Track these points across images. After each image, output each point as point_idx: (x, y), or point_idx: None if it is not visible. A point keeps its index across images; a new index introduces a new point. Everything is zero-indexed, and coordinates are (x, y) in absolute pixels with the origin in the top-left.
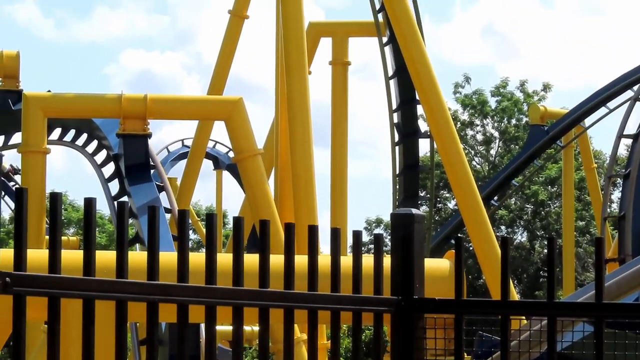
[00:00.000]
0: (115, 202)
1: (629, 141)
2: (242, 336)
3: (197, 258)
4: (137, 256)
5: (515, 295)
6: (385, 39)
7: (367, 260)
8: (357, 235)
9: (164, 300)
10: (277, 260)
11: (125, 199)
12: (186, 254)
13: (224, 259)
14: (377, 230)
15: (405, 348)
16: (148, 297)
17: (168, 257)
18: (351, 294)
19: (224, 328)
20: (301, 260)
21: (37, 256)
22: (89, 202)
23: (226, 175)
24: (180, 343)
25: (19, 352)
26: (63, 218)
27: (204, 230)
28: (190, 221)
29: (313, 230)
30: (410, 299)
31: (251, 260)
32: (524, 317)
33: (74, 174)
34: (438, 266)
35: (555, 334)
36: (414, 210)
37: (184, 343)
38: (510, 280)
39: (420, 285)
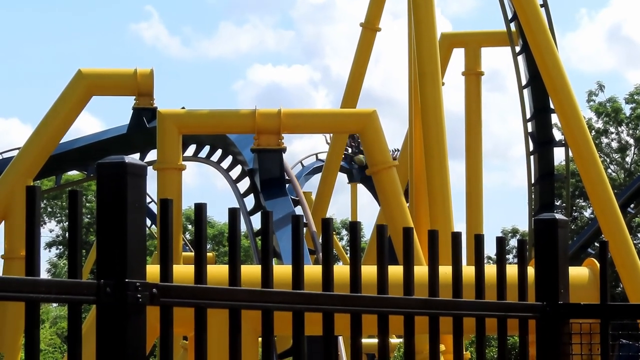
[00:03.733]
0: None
1: None
2: (389, 346)
3: (337, 269)
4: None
5: None
6: (518, 48)
7: (507, 268)
8: (500, 241)
9: (309, 309)
10: (417, 270)
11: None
12: (331, 263)
13: (364, 270)
14: (513, 241)
15: (551, 354)
16: (294, 307)
17: (307, 270)
18: (496, 301)
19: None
20: (441, 269)
21: (178, 271)
22: (233, 213)
23: (360, 188)
24: (326, 353)
25: None
26: None
27: (339, 242)
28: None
29: (457, 238)
30: (555, 305)
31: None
32: None
33: (204, 189)
34: (577, 274)
35: None
36: (558, 216)
37: (330, 353)
38: None
39: (565, 291)
